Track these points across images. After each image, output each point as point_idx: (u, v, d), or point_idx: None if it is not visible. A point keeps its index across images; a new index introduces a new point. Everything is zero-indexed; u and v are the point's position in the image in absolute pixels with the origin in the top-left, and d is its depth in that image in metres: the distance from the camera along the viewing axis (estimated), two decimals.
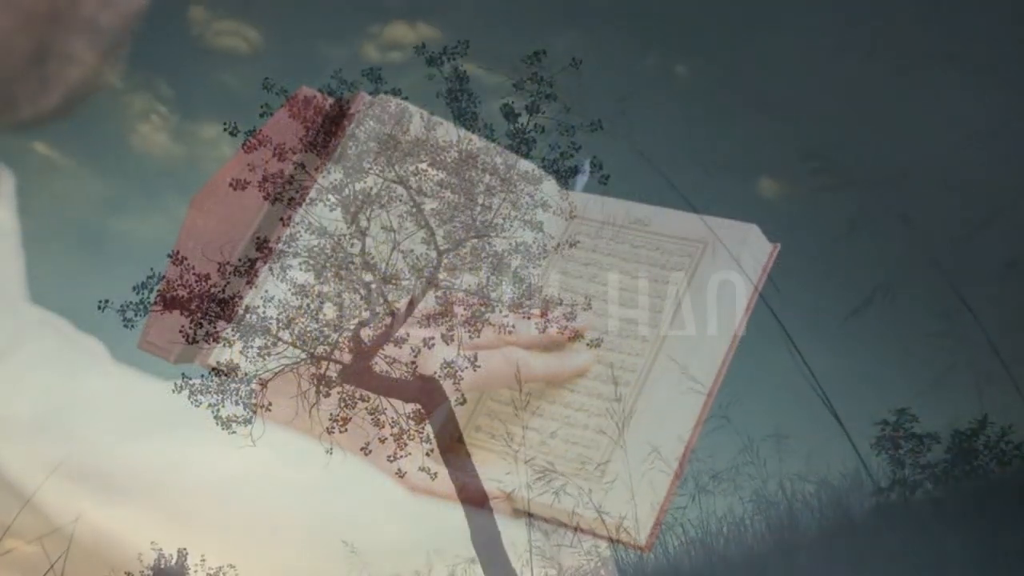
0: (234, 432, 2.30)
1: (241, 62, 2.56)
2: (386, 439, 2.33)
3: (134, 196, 2.54)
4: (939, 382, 2.59)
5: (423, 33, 2.54)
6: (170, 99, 2.57)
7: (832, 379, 2.53)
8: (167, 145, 2.52)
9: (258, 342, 2.27)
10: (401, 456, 2.32)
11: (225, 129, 2.38)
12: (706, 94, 3.00)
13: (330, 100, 2.44)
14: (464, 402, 2.41)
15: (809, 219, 2.90)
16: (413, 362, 2.32)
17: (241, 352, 2.28)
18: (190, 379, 2.30)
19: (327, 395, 2.31)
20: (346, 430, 2.31)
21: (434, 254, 2.32)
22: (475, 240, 2.33)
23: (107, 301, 2.29)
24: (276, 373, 2.29)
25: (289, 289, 2.29)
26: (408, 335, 2.32)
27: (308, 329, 2.29)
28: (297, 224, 2.32)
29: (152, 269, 2.28)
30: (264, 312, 2.28)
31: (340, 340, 2.31)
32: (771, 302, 2.55)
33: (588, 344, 2.56)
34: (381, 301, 2.31)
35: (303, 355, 2.30)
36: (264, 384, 2.29)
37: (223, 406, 2.29)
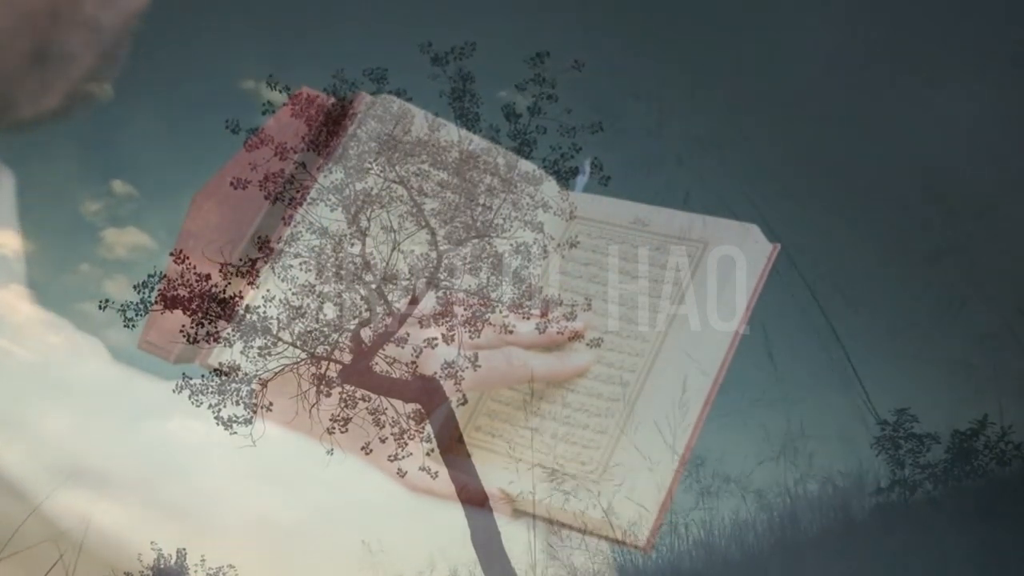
0: (235, 432, 2.30)
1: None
2: (387, 439, 2.33)
3: None
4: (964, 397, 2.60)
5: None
6: None
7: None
8: None
9: (258, 342, 2.27)
10: (402, 456, 2.32)
11: (227, 127, 2.39)
12: (738, 116, 3.06)
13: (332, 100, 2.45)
14: (465, 402, 2.41)
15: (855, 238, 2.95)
16: (414, 362, 2.32)
17: (242, 352, 2.28)
18: (190, 379, 2.29)
19: (327, 395, 2.31)
20: (346, 430, 2.31)
21: (434, 254, 2.32)
22: (476, 240, 2.33)
23: (107, 301, 2.29)
24: (276, 373, 2.28)
25: (289, 289, 2.29)
26: (408, 335, 2.32)
27: (308, 329, 2.29)
28: (298, 224, 2.32)
29: (154, 267, 2.29)
30: (264, 312, 2.28)
31: (340, 340, 2.31)
32: (791, 307, 2.56)
33: (588, 344, 2.56)
34: (381, 301, 2.31)
35: (303, 355, 2.30)
36: (264, 384, 2.29)
37: (224, 406, 2.28)
